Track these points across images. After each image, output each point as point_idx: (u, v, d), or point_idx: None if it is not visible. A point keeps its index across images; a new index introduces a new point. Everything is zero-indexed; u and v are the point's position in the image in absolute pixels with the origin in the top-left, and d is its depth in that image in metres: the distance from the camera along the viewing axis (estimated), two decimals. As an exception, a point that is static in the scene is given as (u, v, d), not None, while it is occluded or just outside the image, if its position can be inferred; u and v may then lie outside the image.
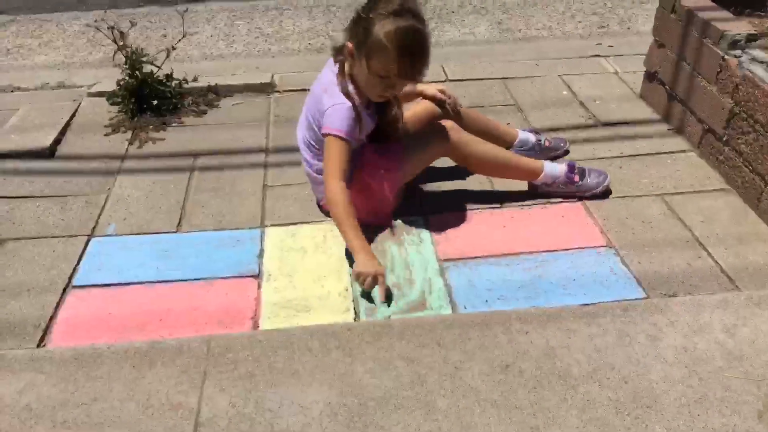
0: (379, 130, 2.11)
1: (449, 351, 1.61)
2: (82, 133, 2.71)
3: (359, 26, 1.89)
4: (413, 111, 2.29)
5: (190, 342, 1.65)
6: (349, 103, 1.94)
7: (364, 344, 1.64)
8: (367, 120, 2.03)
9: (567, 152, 2.50)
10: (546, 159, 2.33)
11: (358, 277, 1.85)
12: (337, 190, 1.94)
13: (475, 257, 2.00)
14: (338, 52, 2.00)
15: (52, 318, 1.81)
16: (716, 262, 1.95)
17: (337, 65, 2.01)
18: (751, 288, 1.85)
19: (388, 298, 1.85)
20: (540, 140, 2.46)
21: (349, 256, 1.96)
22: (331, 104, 1.96)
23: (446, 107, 2.30)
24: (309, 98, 2.11)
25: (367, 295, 1.86)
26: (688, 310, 1.71)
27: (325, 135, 1.97)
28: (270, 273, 1.95)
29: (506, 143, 2.41)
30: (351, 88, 1.98)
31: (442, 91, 2.32)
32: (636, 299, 1.82)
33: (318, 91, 2.04)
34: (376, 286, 1.83)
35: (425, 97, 2.32)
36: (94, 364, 1.60)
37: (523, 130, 2.49)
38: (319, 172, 2.09)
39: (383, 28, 1.83)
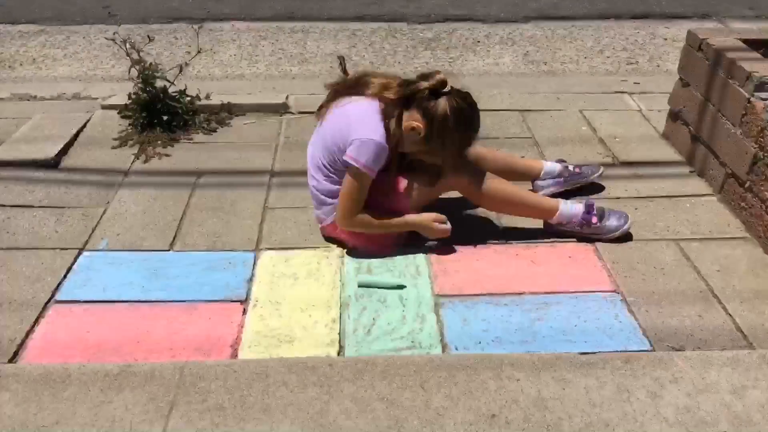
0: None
1: (433, 395, 1.52)
2: (89, 145, 2.69)
3: (422, 103, 1.91)
4: None
5: (162, 368, 1.57)
6: (384, 143, 1.91)
7: (344, 382, 1.55)
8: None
9: (599, 183, 2.41)
10: (576, 186, 2.34)
11: (434, 234, 2.07)
12: (356, 219, 1.99)
13: (473, 295, 1.90)
14: (384, 98, 1.96)
15: (29, 333, 1.75)
16: (730, 316, 1.83)
17: (380, 103, 1.96)
18: (766, 346, 1.72)
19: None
20: (567, 166, 2.36)
21: (343, 284, 1.91)
22: (366, 136, 1.89)
23: None
24: (335, 118, 2.00)
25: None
26: (695, 367, 1.59)
27: (349, 164, 1.91)
28: (257, 299, 1.88)
29: (531, 177, 2.35)
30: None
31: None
32: (639, 351, 1.70)
33: (353, 116, 1.95)
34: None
35: None
36: (62, 384, 1.54)
37: (548, 161, 2.40)
38: (327, 193, 2.05)
39: (447, 106, 1.89)
